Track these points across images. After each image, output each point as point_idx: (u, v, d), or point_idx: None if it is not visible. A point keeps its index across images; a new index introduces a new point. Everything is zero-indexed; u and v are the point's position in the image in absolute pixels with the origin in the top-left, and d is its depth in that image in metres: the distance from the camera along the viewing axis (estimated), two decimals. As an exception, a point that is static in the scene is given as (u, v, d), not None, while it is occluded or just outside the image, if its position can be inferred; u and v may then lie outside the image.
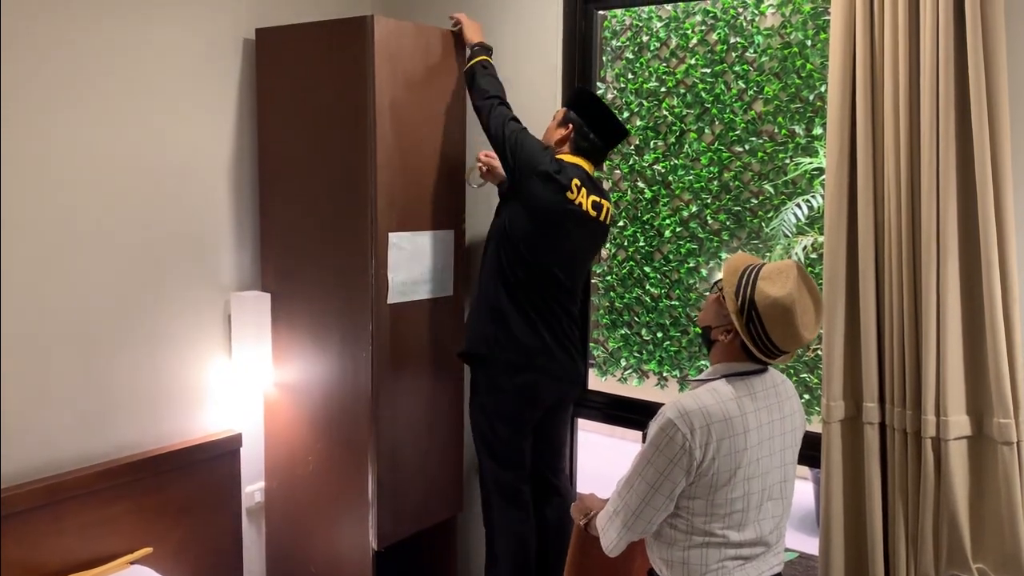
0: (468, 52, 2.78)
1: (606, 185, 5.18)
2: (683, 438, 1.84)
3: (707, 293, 1.96)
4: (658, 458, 1.87)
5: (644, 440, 2.06)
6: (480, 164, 2.86)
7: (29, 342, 2.44)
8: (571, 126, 2.62)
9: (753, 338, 1.89)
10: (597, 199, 2.61)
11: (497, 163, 2.75)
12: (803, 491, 5.25)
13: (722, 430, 1.87)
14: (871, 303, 2.24)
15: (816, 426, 2.40)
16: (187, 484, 2.77)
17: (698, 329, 2.12)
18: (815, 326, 1.92)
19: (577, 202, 2.55)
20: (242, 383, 2.96)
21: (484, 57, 2.73)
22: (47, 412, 2.49)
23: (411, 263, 2.78)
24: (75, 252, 2.52)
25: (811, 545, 2.70)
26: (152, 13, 2.65)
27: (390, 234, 2.71)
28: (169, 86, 2.72)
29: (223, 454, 2.88)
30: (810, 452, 2.47)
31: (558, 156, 2.61)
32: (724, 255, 4.79)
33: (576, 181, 2.55)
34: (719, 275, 1.96)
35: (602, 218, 2.64)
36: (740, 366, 1.96)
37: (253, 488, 3.05)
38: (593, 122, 2.61)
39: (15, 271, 2.40)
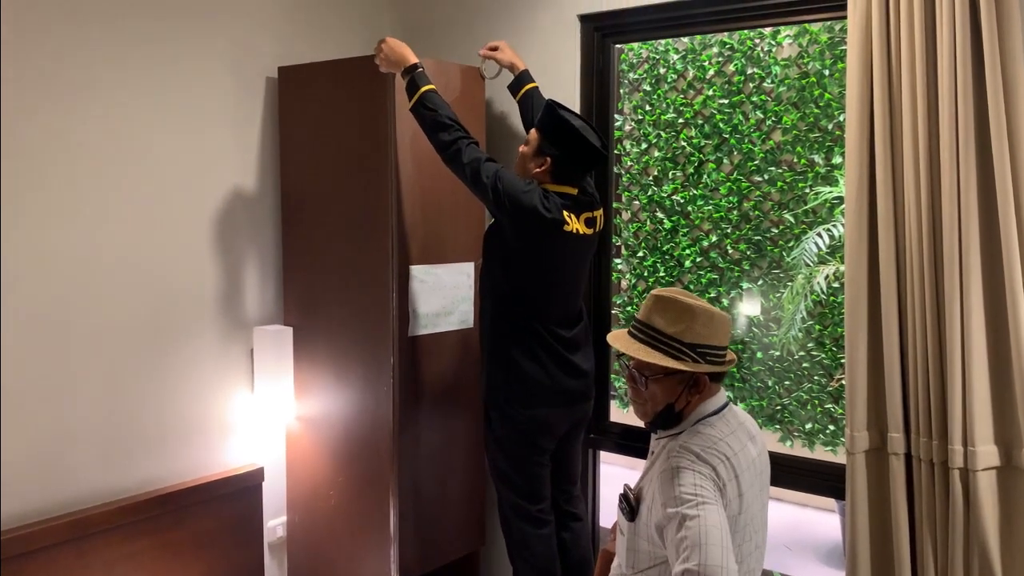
0: (406, 80, 2.53)
1: (624, 216, 5.19)
2: (712, 471, 1.71)
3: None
4: (704, 503, 1.67)
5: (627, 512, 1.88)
6: (486, 55, 2.86)
7: (53, 377, 2.47)
8: (548, 160, 2.49)
9: (714, 362, 1.82)
10: (589, 214, 2.57)
11: (499, 53, 2.82)
12: (829, 523, 5.17)
13: (730, 470, 1.75)
14: (894, 331, 2.22)
15: (841, 457, 2.38)
16: (210, 519, 2.77)
17: (645, 424, 1.93)
18: (697, 301, 1.85)
19: (573, 230, 2.51)
20: (264, 417, 2.97)
21: (429, 87, 2.51)
22: (71, 447, 2.51)
23: (432, 296, 2.79)
24: (99, 287, 2.56)
25: (838, 579, 2.66)
26: (177, 51, 2.70)
27: (411, 267, 2.72)
28: (193, 124, 2.77)
29: (245, 488, 2.89)
30: (835, 483, 2.44)
31: (541, 186, 2.51)
32: (745, 284, 4.78)
33: (566, 212, 2.49)
34: (652, 361, 1.83)
35: (597, 229, 2.62)
36: (706, 406, 1.85)
37: (275, 522, 3.05)
38: (569, 153, 2.47)
39: (39, 306, 2.43)
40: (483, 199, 2.48)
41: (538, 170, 2.52)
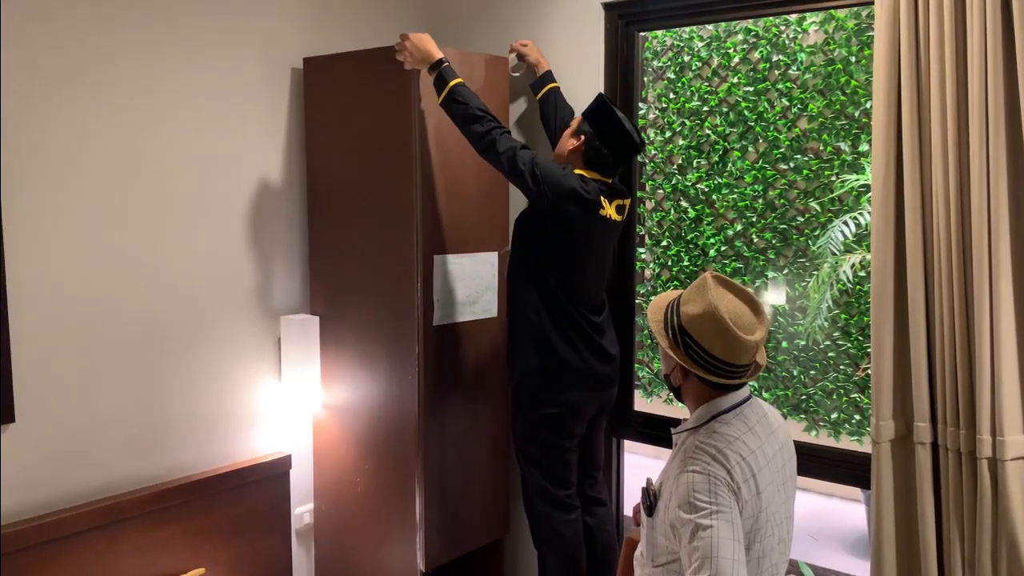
0: (433, 75, 2.54)
1: (648, 205, 5.19)
2: (727, 473, 1.72)
3: None
4: (718, 512, 1.68)
5: (643, 511, 1.90)
6: (515, 51, 2.95)
7: (84, 367, 2.51)
8: (582, 138, 2.56)
9: (699, 363, 1.79)
10: (620, 202, 2.63)
11: (527, 49, 2.92)
12: (854, 513, 5.15)
13: (746, 470, 1.75)
14: (920, 320, 2.20)
15: (866, 446, 2.37)
16: (238, 505, 2.81)
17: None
18: (758, 325, 1.80)
19: (607, 215, 2.56)
20: (291, 405, 3.00)
21: (457, 81, 2.51)
22: (102, 435, 2.56)
23: (456, 285, 2.81)
24: (128, 277, 2.59)
25: (862, 569, 2.65)
26: (203, 43, 2.72)
27: (435, 256, 2.74)
28: (220, 114, 2.79)
29: (273, 476, 2.92)
30: (861, 473, 2.43)
31: (575, 171, 2.55)
32: (771, 273, 4.75)
33: (602, 197, 2.54)
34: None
35: (625, 215, 2.68)
36: (721, 402, 1.84)
37: (302, 509, 3.08)
38: (604, 135, 2.54)
39: (70, 296, 2.47)
40: (521, 187, 2.51)
41: (572, 148, 2.58)
